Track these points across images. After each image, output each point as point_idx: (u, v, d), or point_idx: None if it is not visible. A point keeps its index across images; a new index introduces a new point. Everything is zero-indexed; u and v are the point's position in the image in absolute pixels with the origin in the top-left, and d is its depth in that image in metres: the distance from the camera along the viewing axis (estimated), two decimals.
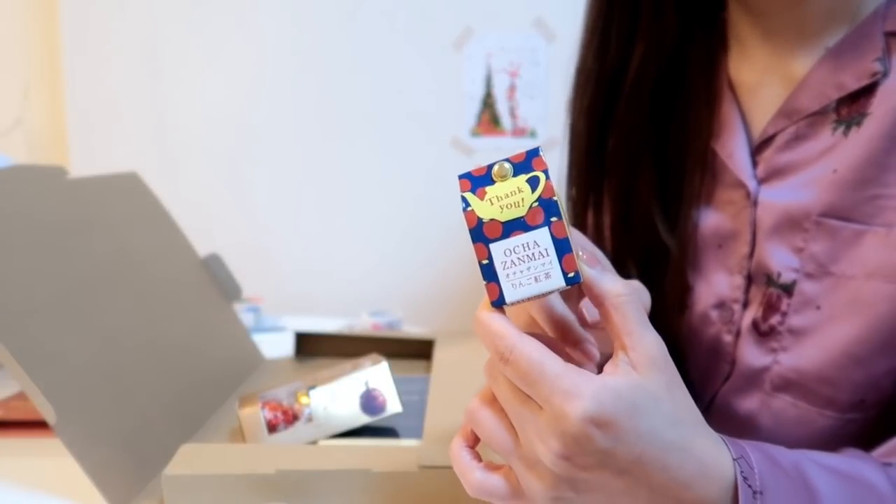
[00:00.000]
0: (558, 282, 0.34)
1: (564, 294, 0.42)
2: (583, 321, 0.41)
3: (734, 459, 0.35)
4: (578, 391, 0.32)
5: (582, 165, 0.64)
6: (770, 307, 0.53)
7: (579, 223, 0.66)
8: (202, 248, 0.89)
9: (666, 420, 0.34)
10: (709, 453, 0.35)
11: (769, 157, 0.54)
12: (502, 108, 1.51)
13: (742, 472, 0.35)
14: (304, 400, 0.62)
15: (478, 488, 0.37)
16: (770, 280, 0.53)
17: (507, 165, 0.36)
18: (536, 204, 0.34)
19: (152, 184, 0.86)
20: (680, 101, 0.59)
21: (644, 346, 0.34)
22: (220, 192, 1.56)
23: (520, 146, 1.49)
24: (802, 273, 0.51)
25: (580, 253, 0.36)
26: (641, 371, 0.34)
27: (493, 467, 0.38)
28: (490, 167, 0.36)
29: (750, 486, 0.35)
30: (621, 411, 0.32)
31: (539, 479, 0.35)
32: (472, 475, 0.37)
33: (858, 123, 0.49)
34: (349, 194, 1.55)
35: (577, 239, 0.45)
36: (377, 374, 0.63)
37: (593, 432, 0.32)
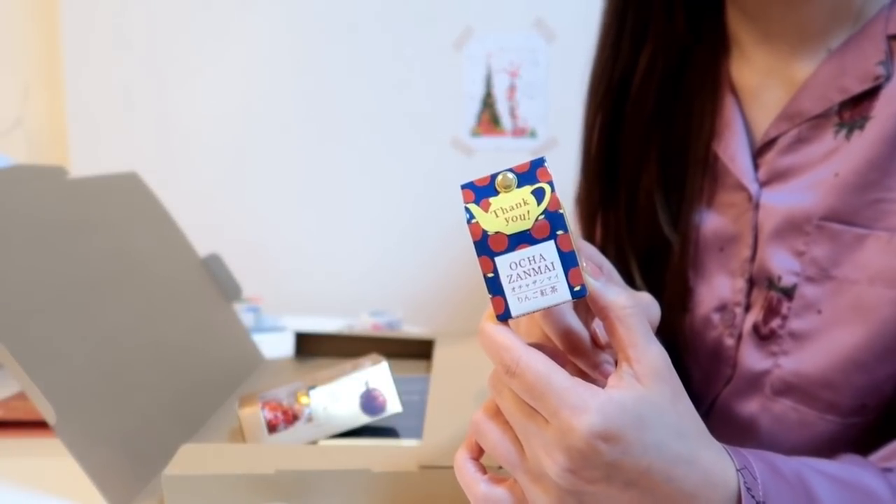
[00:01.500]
0: (564, 295, 0.34)
1: (577, 309, 0.42)
2: (596, 341, 0.41)
3: (738, 470, 0.35)
4: (586, 406, 0.32)
5: (593, 165, 0.64)
6: (771, 311, 0.52)
7: (588, 225, 0.66)
8: (202, 248, 0.89)
9: (671, 432, 0.33)
10: (713, 464, 0.35)
11: (771, 160, 0.54)
12: (502, 108, 1.51)
13: (745, 482, 0.35)
14: (304, 400, 0.62)
15: (483, 501, 0.37)
16: (771, 283, 0.53)
17: (511, 176, 0.35)
18: (542, 217, 0.34)
19: (152, 184, 0.86)
20: (683, 102, 0.60)
21: (648, 358, 0.34)
22: (221, 193, 1.56)
23: (520, 146, 1.49)
24: (803, 277, 0.51)
25: (584, 264, 0.36)
26: (646, 383, 0.34)
27: (498, 480, 0.38)
28: (493, 177, 0.35)
29: (753, 496, 0.35)
30: (627, 424, 0.32)
31: (545, 492, 0.35)
32: (477, 487, 0.37)
33: (861, 127, 0.49)
34: (349, 194, 1.55)
35: (582, 249, 0.45)
36: (377, 374, 0.63)
37: (600, 446, 0.32)
